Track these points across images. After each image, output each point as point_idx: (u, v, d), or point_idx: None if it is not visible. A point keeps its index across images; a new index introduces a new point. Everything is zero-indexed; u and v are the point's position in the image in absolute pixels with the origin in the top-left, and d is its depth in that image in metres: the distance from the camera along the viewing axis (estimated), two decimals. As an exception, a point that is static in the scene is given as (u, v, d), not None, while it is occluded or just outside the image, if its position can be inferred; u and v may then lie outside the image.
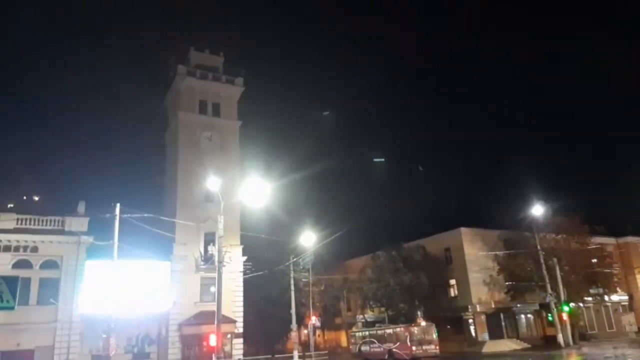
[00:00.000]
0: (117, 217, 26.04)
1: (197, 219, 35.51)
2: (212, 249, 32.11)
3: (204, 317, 33.45)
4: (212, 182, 30.68)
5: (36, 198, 49.45)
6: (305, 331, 48.80)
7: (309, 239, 37.51)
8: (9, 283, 17.21)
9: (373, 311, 48.74)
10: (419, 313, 41.66)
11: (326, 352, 40.87)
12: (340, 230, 38.95)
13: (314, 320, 40.51)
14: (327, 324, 54.54)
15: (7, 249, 29.44)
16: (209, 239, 35.06)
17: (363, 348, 40.06)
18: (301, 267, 40.94)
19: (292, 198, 49.19)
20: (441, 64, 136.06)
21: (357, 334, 42.82)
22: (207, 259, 33.73)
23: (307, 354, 36.83)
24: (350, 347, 43.48)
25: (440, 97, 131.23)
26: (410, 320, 40.21)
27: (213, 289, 31.29)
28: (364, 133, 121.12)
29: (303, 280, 43.00)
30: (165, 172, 42.28)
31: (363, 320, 47.48)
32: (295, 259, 38.52)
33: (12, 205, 38.63)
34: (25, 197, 48.31)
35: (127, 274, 29.42)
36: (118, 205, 26.11)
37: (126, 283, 28.73)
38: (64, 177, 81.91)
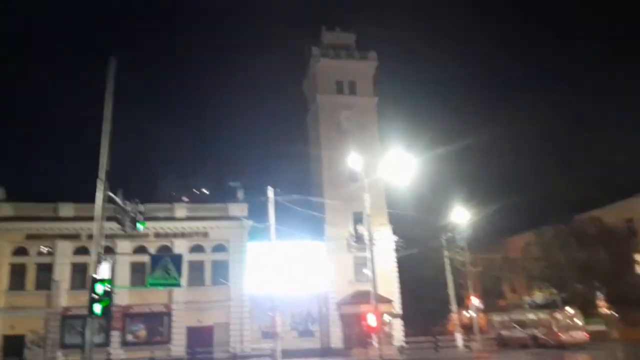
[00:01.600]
0: (272, 200, 27.43)
1: (344, 198, 35.64)
2: (361, 229, 32.00)
3: (360, 297, 33.57)
4: (354, 161, 30.52)
5: (206, 191, 55.46)
6: (465, 313, 46.42)
7: (461, 216, 35.22)
8: (174, 261, 19.44)
9: (542, 292, 44.25)
10: (598, 294, 36.64)
11: (494, 337, 38.10)
12: (497, 205, 35.91)
13: (476, 302, 38.03)
14: (489, 306, 51.16)
15: (182, 235, 33.28)
16: (357, 219, 35.08)
17: (503, 332, 38.27)
18: (455, 246, 38.72)
19: (439, 172, 46.89)
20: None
21: (494, 318, 41.41)
22: (358, 238, 33.76)
23: (471, 337, 34.67)
24: (488, 330, 41.50)
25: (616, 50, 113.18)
26: (589, 302, 35.64)
27: (366, 269, 31.16)
28: (522, 97, 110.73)
29: (458, 259, 40.73)
30: (310, 154, 43.53)
31: (531, 302, 43.37)
32: (449, 235, 36.54)
33: (186, 199, 43.84)
34: (194, 190, 54.52)
35: (285, 254, 30.85)
36: (271, 189, 27.52)
37: (285, 263, 30.15)
38: (224, 168, 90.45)
